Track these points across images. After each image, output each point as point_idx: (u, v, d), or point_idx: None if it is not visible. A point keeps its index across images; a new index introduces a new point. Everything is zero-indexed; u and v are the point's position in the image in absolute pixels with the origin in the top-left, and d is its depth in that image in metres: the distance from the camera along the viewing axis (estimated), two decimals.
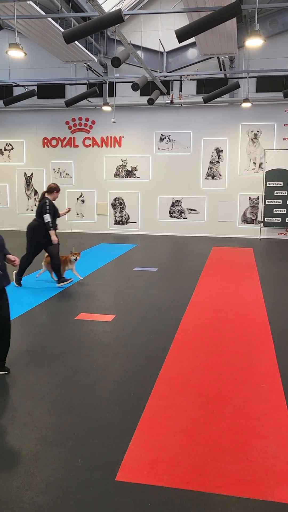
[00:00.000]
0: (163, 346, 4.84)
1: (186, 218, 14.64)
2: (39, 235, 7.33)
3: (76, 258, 7.58)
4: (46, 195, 7.38)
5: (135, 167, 14.77)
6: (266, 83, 13.46)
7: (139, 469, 2.77)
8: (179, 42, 6.97)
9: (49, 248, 7.38)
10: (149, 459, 2.87)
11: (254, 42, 7.23)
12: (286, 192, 13.42)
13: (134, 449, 2.97)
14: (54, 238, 7.30)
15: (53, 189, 7.42)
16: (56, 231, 7.44)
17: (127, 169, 14.83)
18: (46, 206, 7.21)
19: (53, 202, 7.38)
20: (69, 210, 8.25)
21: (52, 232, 7.26)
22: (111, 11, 6.82)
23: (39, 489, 2.59)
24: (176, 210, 14.67)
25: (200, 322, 5.72)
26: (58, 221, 7.61)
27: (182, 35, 6.74)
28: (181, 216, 14.64)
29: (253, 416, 3.40)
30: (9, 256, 4.16)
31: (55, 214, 7.39)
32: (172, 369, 4.27)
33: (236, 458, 2.90)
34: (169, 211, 14.71)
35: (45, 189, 7.56)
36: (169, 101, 13.63)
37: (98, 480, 2.67)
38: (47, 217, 7.15)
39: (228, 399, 3.68)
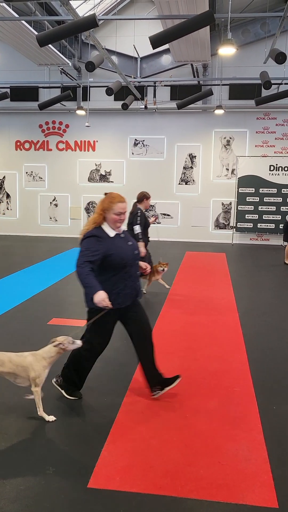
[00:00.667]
0: None
1: (160, 223, 14.69)
2: None
3: (164, 269, 7.36)
4: (138, 205, 7.04)
5: (109, 172, 14.76)
6: (238, 91, 13.70)
7: (112, 475, 2.75)
8: (153, 48, 7.03)
9: None
10: (122, 464, 2.85)
11: (226, 51, 7.36)
12: (258, 198, 13.66)
13: (107, 455, 2.95)
14: (142, 250, 6.63)
15: (143, 197, 7.06)
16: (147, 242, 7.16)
17: (101, 174, 14.81)
18: (138, 217, 6.83)
19: (144, 211, 7.06)
20: (156, 218, 8.14)
21: (141, 244, 6.70)
22: (85, 15, 6.82)
23: (9, 499, 2.53)
24: (149, 215, 14.70)
25: (173, 326, 5.74)
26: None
27: (156, 41, 6.80)
28: (154, 221, 14.65)
29: (226, 420, 3.43)
30: (141, 263, 3.83)
31: (146, 225, 7.07)
32: None
33: (208, 462, 2.91)
34: None
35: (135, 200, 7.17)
36: (143, 107, 13.72)
37: (69, 488, 2.63)
38: (137, 228, 6.77)
39: (201, 403, 3.69)
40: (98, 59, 8.78)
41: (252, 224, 13.82)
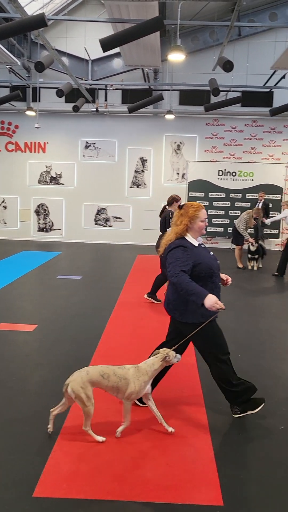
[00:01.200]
0: (86, 356, 4.78)
1: (111, 226, 14.69)
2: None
3: None
4: (169, 208, 6.97)
5: (59, 174, 14.57)
6: (188, 97, 13.95)
7: (58, 483, 2.70)
8: (104, 51, 7.03)
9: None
10: (69, 471, 2.81)
11: (175, 57, 7.47)
12: (208, 202, 13.95)
13: (53, 463, 2.89)
14: None
15: (173, 200, 6.96)
16: None
17: (51, 176, 14.60)
18: (169, 219, 6.72)
19: None
20: None
21: None
22: (34, 14, 6.71)
23: None
24: (101, 217, 14.67)
25: (123, 330, 5.73)
26: None
27: (106, 44, 6.80)
28: (106, 224, 14.66)
29: (174, 421, 3.46)
30: (221, 274, 3.67)
31: None
32: None
33: (156, 464, 2.92)
34: (94, 219, 14.68)
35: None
36: (95, 109, 13.67)
37: (14, 498, 2.56)
38: None
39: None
40: (47, 59, 8.66)
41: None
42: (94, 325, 5.85)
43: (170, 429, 3.30)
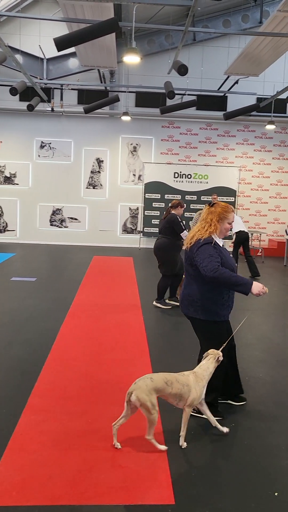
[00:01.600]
0: (40, 358, 4.71)
1: (67, 227, 14.54)
2: (171, 252, 6.94)
3: None
4: (173, 211, 7.00)
5: (14, 174, 14.27)
6: (144, 99, 14.04)
7: (7, 490, 2.64)
8: (58, 51, 6.95)
9: (168, 266, 6.94)
10: (19, 478, 2.76)
11: (131, 59, 7.49)
12: (164, 204, 14.08)
13: (3, 470, 2.83)
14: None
15: (178, 205, 7.08)
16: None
17: (5, 175, 14.26)
18: (180, 223, 6.84)
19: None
20: None
21: None
22: None
23: None
24: (56, 218, 14.48)
25: (78, 331, 5.69)
26: None
27: (61, 43, 6.73)
28: (62, 224, 14.49)
29: (127, 422, 3.45)
30: None
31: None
32: (48, 381, 4.17)
33: (109, 466, 2.92)
34: (50, 220, 14.47)
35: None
36: (50, 109, 13.49)
37: None
38: (186, 233, 6.63)
39: (104, 408, 3.70)
40: (0, 56, 8.46)
41: (158, 229, 14.17)
42: (49, 327, 5.78)
43: (226, 429, 3.34)
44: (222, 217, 3.47)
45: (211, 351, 3.38)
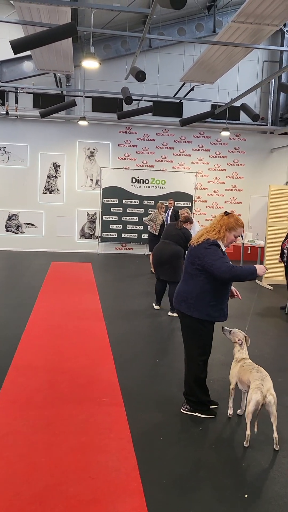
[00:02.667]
0: (1, 369, 4.56)
1: (24, 233, 14.23)
2: (182, 259, 6.76)
3: None
4: (184, 226, 6.99)
5: None
6: (101, 104, 14.02)
7: None
8: (15, 54, 6.81)
9: (178, 272, 6.73)
10: None
11: (89, 64, 7.46)
12: (122, 209, 14.08)
13: None
14: None
15: (187, 220, 7.04)
16: None
17: None
18: (182, 235, 6.84)
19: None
20: None
21: None
22: None
23: None
24: (12, 224, 14.15)
25: (40, 339, 5.57)
26: None
27: (17, 46, 6.60)
28: (18, 230, 14.17)
29: (95, 432, 3.42)
30: (232, 287, 3.80)
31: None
32: (10, 392, 4.05)
33: (79, 478, 2.86)
34: (5, 225, 14.12)
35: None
36: (4, 112, 13.19)
37: None
38: None
39: (70, 418, 3.63)
40: None
41: (116, 234, 14.18)
42: (9, 336, 5.61)
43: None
44: (231, 228, 3.59)
45: (238, 333, 3.81)
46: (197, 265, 3.55)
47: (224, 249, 3.62)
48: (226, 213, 3.67)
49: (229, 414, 3.77)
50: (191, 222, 7.21)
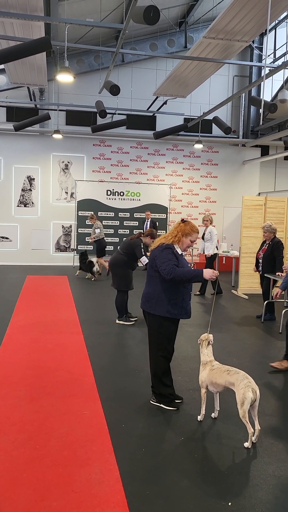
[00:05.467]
0: None
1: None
2: (124, 268, 6.98)
3: None
4: (142, 237, 7.01)
5: None
6: (75, 117, 14.07)
7: None
8: None
9: (121, 281, 6.95)
10: None
11: (63, 78, 7.51)
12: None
13: None
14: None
15: (149, 234, 6.98)
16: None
17: None
18: (141, 249, 6.89)
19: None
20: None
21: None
22: None
23: None
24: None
25: (17, 354, 5.49)
26: None
27: None
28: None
29: (77, 445, 3.39)
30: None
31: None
32: None
33: (61, 492, 2.82)
34: None
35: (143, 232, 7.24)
36: None
37: None
38: (145, 260, 6.70)
39: (50, 432, 3.58)
40: None
41: (92, 246, 14.14)
42: None
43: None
44: (187, 233, 3.97)
45: (203, 336, 3.91)
46: (154, 267, 3.94)
47: (180, 252, 3.96)
48: (183, 221, 4.05)
49: (200, 419, 3.81)
50: (153, 237, 7.14)
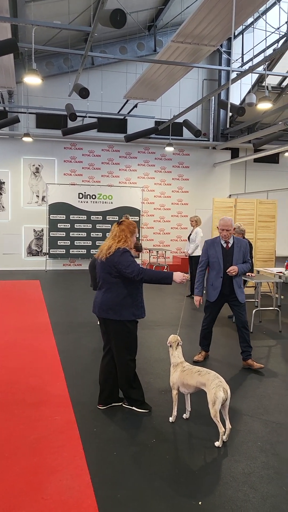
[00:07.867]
0: None
1: None
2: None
3: None
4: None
5: None
6: (45, 120, 13.95)
7: None
8: None
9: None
10: None
11: (31, 80, 7.43)
12: (69, 224, 13.99)
13: None
14: None
15: (134, 247, 6.60)
16: None
17: None
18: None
19: None
20: None
21: None
22: None
23: None
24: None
25: None
26: None
27: None
28: None
29: (48, 452, 3.34)
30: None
31: None
32: None
33: (31, 500, 2.78)
34: None
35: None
36: None
37: None
38: None
39: (21, 439, 3.53)
40: None
41: (64, 250, 14.04)
42: None
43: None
44: (132, 232, 3.99)
45: (171, 338, 3.94)
46: (114, 273, 3.85)
47: (133, 254, 4.04)
48: (119, 223, 4.01)
49: (172, 420, 3.84)
50: (139, 251, 7.14)
